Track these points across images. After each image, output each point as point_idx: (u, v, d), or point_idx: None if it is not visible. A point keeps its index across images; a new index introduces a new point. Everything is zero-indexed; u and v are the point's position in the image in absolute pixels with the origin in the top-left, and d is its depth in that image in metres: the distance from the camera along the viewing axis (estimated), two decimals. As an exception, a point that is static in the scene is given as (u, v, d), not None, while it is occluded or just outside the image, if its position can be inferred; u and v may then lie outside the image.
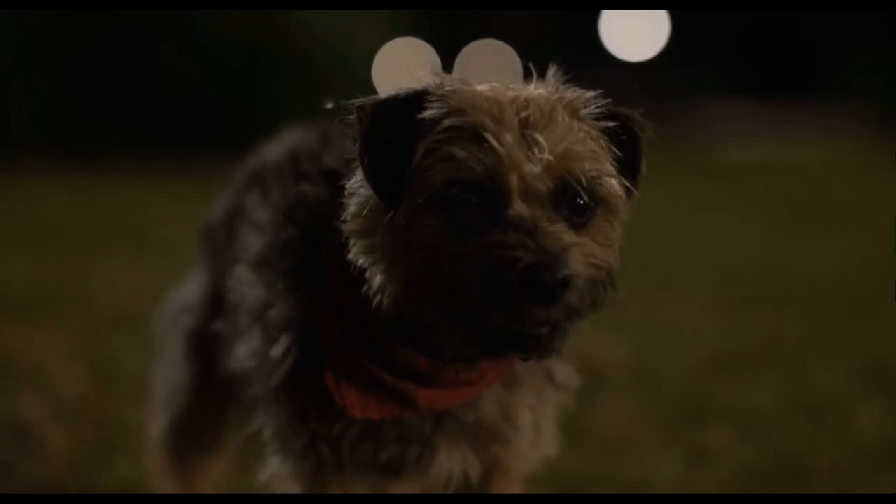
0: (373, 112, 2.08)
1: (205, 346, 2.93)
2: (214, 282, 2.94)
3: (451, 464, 2.34)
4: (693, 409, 4.58)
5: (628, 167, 2.16)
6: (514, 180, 1.99)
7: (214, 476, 3.27)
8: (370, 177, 2.05)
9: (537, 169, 2.00)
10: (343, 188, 2.20)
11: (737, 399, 4.73)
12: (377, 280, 2.09)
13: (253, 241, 2.55)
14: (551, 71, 2.21)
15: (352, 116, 2.11)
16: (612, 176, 2.10)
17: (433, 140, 2.03)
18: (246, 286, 2.46)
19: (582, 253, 1.98)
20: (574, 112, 2.12)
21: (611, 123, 2.14)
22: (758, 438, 4.20)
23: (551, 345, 2.03)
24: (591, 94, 2.16)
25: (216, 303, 2.87)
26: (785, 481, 3.74)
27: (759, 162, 18.30)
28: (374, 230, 2.09)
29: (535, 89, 2.15)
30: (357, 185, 2.13)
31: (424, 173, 2.01)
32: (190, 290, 3.12)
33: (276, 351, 2.30)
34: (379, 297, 2.09)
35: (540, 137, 2.01)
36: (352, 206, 2.13)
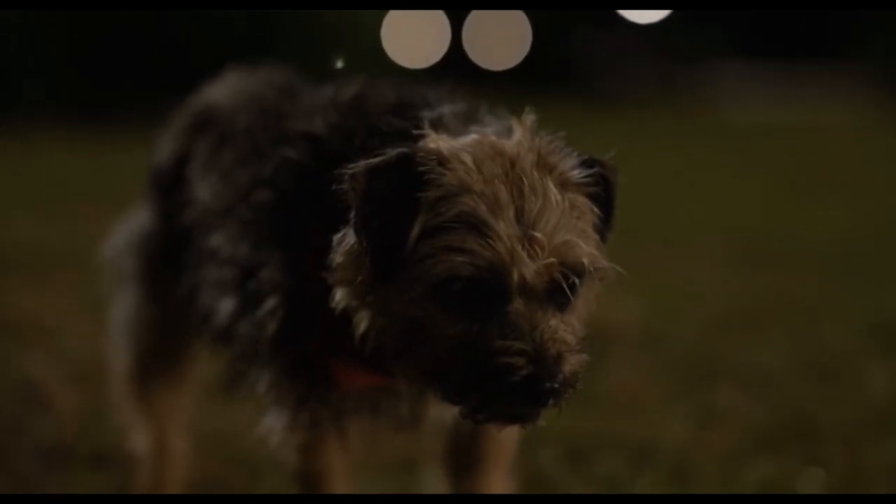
0: (366, 182, 2.05)
1: (159, 285, 3.01)
2: (162, 223, 2.98)
3: (441, 412, 2.39)
4: (702, 370, 4.59)
5: (604, 215, 2.17)
6: (515, 279, 2.00)
7: (184, 410, 3.31)
8: (367, 251, 2.05)
9: (537, 267, 2.01)
10: (322, 151, 2.26)
11: (746, 359, 4.74)
12: (363, 325, 2.13)
13: (220, 191, 2.58)
14: (530, 119, 2.19)
15: (345, 185, 2.08)
16: (602, 255, 2.11)
17: (432, 223, 2.02)
18: (225, 240, 2.48)
19: (572, 350, 2.03)
20: (565, 183, 2.10)
21: (592, 187, 2.13)
22: (767, 398, 4.21)
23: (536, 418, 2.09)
24: (574, 156, 2.14)
25: (164, 244, 2.94)
26: (794, 441, 3.74)
27: (768, 123, 18.22)
28: (363, 283, 2.10)
29: (520, 151, 2.10)
30: (344, 238, 2.12)
31: (424, 259, 2.02)
32: (135, 228, 3.15)
33: (266, 309, 2.33)
34: (363, 336, 2.14)
35: (539, 235, 2.01)
36: (339, 256, 2.12)
